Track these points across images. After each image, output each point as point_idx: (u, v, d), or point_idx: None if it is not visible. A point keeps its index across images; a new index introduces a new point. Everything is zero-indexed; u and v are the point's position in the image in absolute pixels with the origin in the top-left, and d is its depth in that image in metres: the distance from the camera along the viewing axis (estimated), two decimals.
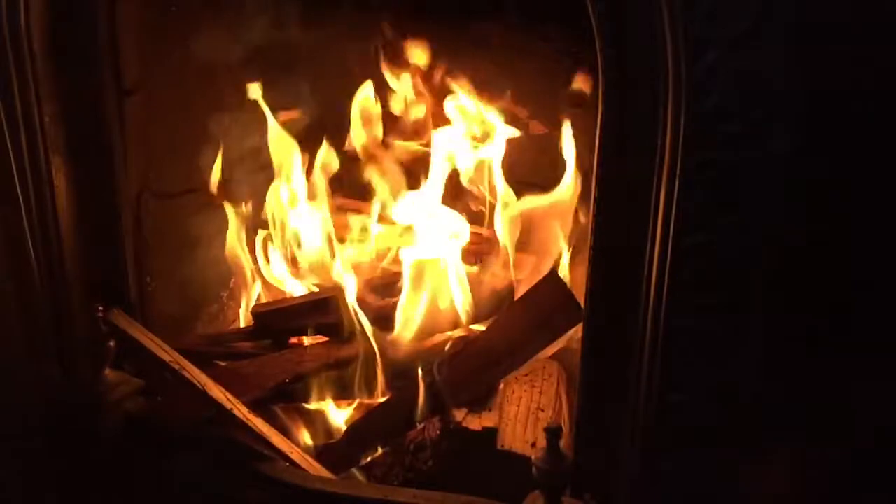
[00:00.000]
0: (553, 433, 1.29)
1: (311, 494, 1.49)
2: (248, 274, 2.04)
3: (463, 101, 1.95)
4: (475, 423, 1.70)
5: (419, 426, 1.69)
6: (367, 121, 2.04)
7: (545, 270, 1.79)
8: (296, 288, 2.03)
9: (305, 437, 1.71)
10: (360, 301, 1.80)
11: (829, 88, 1.09)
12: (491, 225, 1.94)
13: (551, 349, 1.80)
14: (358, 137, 2.04)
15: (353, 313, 1.77)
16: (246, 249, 2.03)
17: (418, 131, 2.05)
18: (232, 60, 1.91)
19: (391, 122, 2.07)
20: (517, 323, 1.73)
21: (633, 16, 1.13)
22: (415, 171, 1.98)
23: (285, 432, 1.68)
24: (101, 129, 1.63)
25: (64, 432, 1.58)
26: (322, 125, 2.05)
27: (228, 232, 1.99)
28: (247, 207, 2.02)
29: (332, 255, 1.98)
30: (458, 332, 1.82)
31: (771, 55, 1.07)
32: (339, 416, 1.78)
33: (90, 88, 1.59)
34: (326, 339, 1.84)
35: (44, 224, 1.50)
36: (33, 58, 1.42)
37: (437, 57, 1.99)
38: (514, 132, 1.93)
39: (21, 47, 1.40)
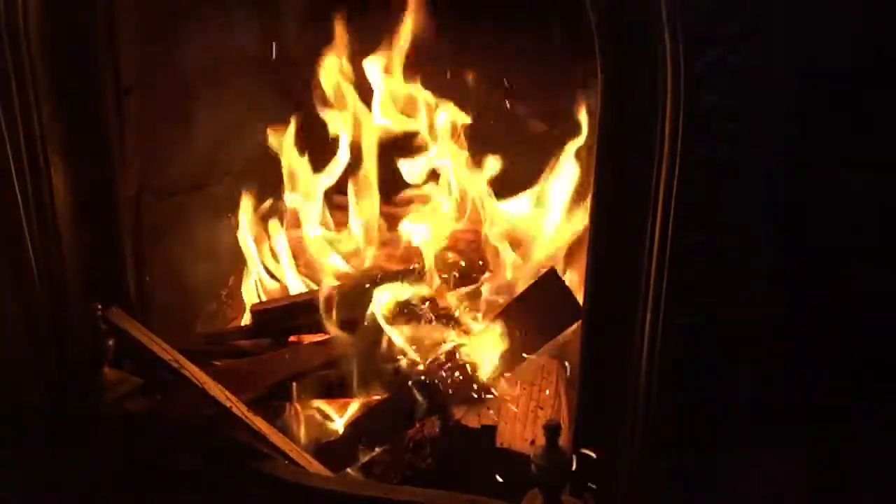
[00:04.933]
0: (552, 431, 1.29)
1: (311, 492, 1.49)
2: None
3: None
4: (474, 420, 1.70)
5: (418, 424, 1.69)
6: None
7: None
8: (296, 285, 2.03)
9: (304, 435, 1.72)
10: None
11: (829, 85, 1.09)
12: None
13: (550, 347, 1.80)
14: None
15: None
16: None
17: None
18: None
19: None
20: (517, 321, 1.73)
21: (633, 14, 1.13)
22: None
23: (284, 430, 1.68)
24: (99, 128, 1.63)
25: (63, 431, 1.58)
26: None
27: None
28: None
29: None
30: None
31: (770, 53, 1.07)
32: (338, 414, 1.78)
33: (89, 87, 1.59)
34: (326, 336, 1.84)
35: (43, 223, 1.50)
36: (31, 57, 1.42)
37: (439, 55, 1.99)
38: None
39: (19, 46, 1.40)
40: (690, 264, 1.18)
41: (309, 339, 1.89)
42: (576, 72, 1.77)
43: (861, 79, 1.08)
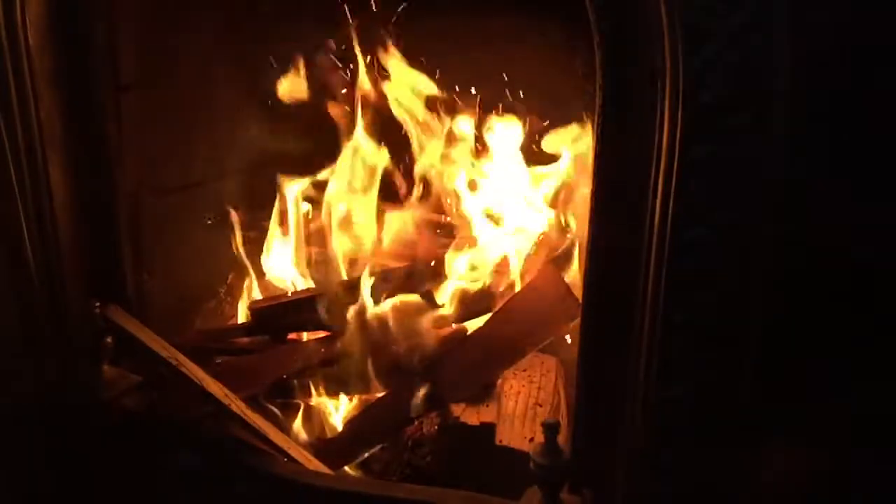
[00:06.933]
0: (551, 428, 1.29)
1: (309, 490, 1.49)
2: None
3: None
4: (473, 418, 1.70)
5: (417, 422, 1.69)
6: None
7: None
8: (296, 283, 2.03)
9: (303, 433, 1.71)
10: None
11: (828, 81, 1.08)
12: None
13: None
14: None
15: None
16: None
17: None
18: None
19: None
20: (515, 318, 1.73)
21: (631, 9, 1.13)
22: None
23: (283, 428, 1.68)
24: (98, 125, 1.62)
25: (62, 429, 1.58)
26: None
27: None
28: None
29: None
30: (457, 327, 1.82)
31: (770, 48, 1.07)
32: (337, 411, 1.78)
33: (87, 83, 1.58)
34: (325, 334, 1.84)
35: (41, 220, 1.49)
36: (29, 52, 1.42)
37: (437, 51, 1.98)
38: None
39: (18, 41, 1.40)
40: (689, 259, 1.17)
41: (308, 336, 1.89)
42: (574, 66, 1.78)
43: (861, 72, 1.07)
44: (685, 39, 1.08)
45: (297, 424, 1.73)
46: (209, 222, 2.03)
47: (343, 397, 1.79)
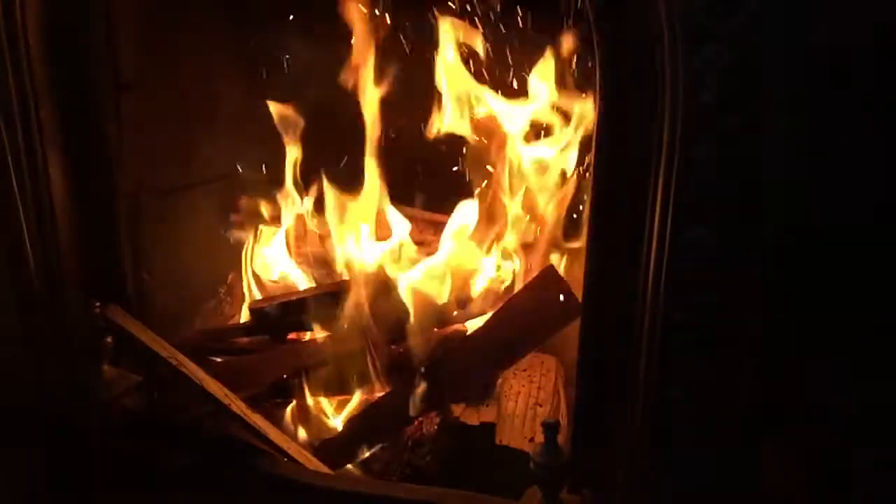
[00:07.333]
0: (551, 428, 1.30)
1: (309, 490, 1.49)
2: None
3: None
4: (473, 418, 1.70)
5: (417, 422, 1.69)
6: None
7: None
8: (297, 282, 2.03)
9: (303, 433, 1.71)
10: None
11: (828, 81, 1.08)
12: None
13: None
14: None
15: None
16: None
17: None
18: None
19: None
20: (515, 318, 1.73)
21: (631, 10, 1.13)
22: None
23: (283, 428, 1.68)
24: (97, 124, 1.62)
25: (62, 429, 1.58)
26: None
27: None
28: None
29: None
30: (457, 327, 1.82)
31: (770, 48, 1.07)
32: (337, 411, 1.78)
33: (87, 83, 1.58)
34: (325, 333, 1.84)
35: (40, 220, 1.49)
36: (29, 52, 1.42)
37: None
38: None
39: (17, 42, 1.40)
40: (689, 261, 1.17)
41: (308, 336, 1.89)
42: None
43: (862, 73, 1.07)
44: (685, 39, 1.08)
45: (297, 424, 1.73)
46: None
47: (343, 397, 1.79)
